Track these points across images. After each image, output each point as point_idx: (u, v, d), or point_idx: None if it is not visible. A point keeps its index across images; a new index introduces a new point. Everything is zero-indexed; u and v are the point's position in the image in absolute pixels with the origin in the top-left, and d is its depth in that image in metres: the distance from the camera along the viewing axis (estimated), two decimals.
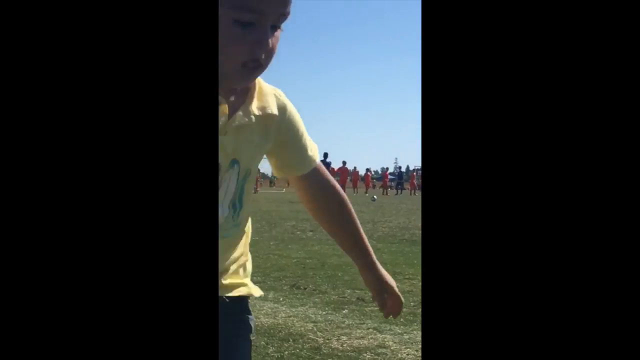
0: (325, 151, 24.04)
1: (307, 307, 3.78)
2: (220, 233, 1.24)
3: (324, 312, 3.62)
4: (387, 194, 32.63)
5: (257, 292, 1.35)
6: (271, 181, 42.87)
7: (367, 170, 38.24)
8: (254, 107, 1.19)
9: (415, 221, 11.23)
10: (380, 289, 1.51)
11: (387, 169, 39.96)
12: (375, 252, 4.73)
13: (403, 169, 36.60)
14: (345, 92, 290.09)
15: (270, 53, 1.11)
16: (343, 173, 27.68)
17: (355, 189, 33.81)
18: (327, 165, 22.14)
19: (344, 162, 28.54)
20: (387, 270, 4.25)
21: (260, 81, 1.23)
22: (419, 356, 2.63)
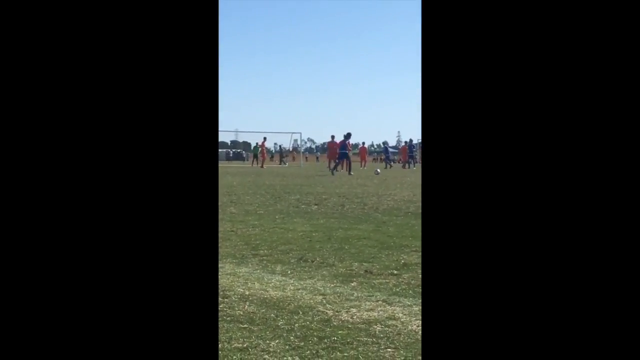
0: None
1: (315, 279, 3.78)
2: None
3: (332, 285, 3.62)
4: (408, 167, 32.79)
5: None
6: (272, 156, 42.75)
7: (362, 144, 38.14)
8: None
9: (419, 195, 11.23)
10: None
11: (409, 141, 38.26)
12: (380, 225, 4.71)
13: (403, 143, 35.94)
14: (345, 63, 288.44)
15: None
16: (362, 151, 29.62)
17: (363, 163, 34.28)
18: (345, 145, 23.28)
19: (363, 143, 30.25)
20: (393, 243, 4.24)
21: None
22: None
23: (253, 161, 37.90)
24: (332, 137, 28.62)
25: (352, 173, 22.51)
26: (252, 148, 45.25)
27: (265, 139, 35.54)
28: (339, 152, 23.94)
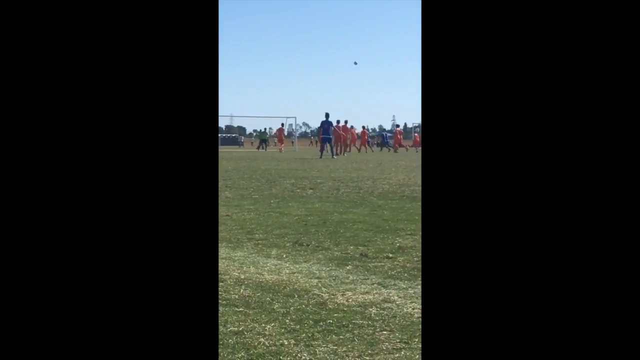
0: (326, 111, 24.61)
1: (310, 263, 3.78)
2: None
3: (328, 268, 3.62)
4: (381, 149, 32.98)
5: None
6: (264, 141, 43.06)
7: (363, 127, 38.51)
8: None
9: (414, 178, 11.23)
10: None
11: (398, 126, 38.76)
12: (376, 209, 4.72)
13: (401, 127, 36.17)
14: (340, 48, 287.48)
15: None
16: (346, 132, 29.08)
17: (364, 147, 34.74)
18: (330, 124, 23.20)
19: (346, 122, 29.74)
20: (388, 226, 4.24)
21: None
22: None
23: (260, 146, 39.64)
24: (338, 121, 28.32)
25: (322, 157, 22.77)
26: (257, 134, 47.71)
27: (283, 124, 40.08)
28: (323, 137, 23.98)
